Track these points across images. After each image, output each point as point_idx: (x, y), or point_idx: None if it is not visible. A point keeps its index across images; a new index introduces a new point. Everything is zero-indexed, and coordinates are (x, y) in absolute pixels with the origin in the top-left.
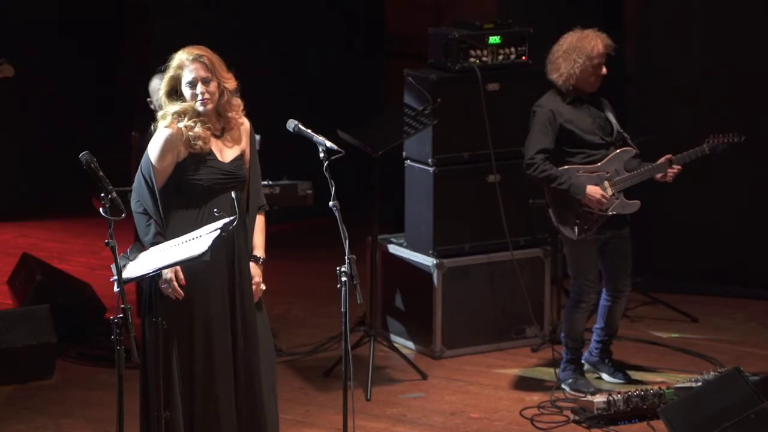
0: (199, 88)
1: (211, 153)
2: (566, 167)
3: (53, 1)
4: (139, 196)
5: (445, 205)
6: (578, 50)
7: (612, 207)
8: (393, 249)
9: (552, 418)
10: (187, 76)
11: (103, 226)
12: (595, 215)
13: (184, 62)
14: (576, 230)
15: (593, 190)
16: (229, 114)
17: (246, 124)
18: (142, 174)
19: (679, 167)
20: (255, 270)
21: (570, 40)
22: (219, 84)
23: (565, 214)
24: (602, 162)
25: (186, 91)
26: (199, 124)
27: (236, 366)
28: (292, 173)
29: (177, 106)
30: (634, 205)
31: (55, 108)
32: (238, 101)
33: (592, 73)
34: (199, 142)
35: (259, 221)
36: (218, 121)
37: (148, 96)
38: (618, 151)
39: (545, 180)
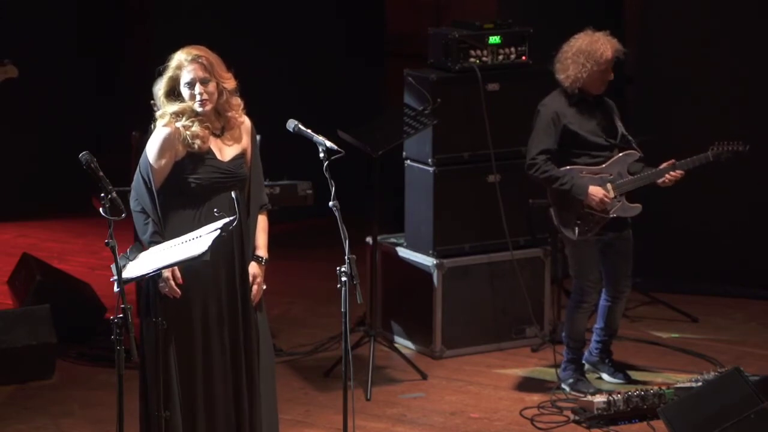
0: (198, 88)
1: (209, 152)
2: (569, 168)
3: (53, 1)
4: (137, 194)
5: (445, 205)
6: (587, 54)
7: (614, 209)
8: (393, 249)
9: (552, 418)
10: (185, 77)
11: (103, 226)
12: (597, 217)
13: (183, 63)
14: (576, 231)
15: (595, 191)
16: (229, 113)
17: (247, 122)
18: (141, 173)
19: (681, 172)
20: (257, 270)
21: (580, 43)
22: (218, 84)
23: (566, 214)
24: (606, 164)
25: (184, 92)
26: (197, 123)
27: (236, 366)
28: (292, 173)
29: (175, 106)
30: (636, 208)
31: (55, 108)
32: (237, 100)
33: (598, 77)
34: (197, 141)
35: (262, 221)
36: (218, 120)
37: (152, 98)
38: (622, 154)
39: (547, 180)
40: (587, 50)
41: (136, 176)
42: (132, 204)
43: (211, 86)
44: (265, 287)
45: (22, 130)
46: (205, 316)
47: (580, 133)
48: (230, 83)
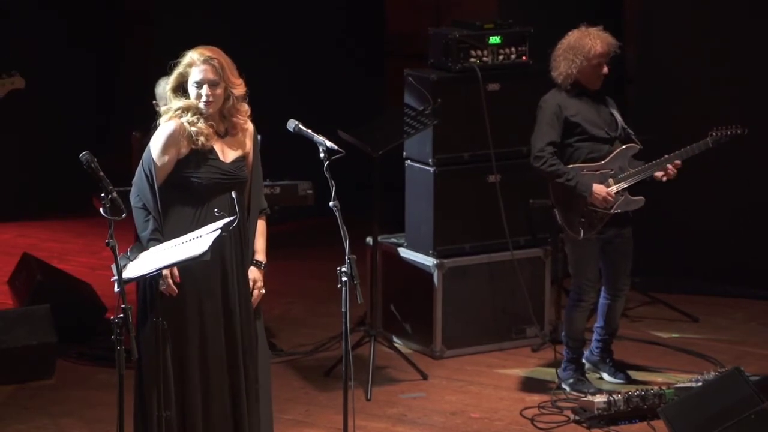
0: (205, 89)
1: (212, 151)
2: (571, 166)
3: (53, 1)
4: (139, 190)
5: (445, 205)
6: (576, 50)
7: (617, 204)
8: (393, 249)
9: (552, 418)
10: (195, 76)
11: (104, 226)
12: (600, 213)
13: (195, 61)
14: (582, 230)
15: (599, 189)
16: (234, 119)
17: (251, 128)
18: (143, 168)
19: (678, 162)
20: (257, 275)
21: (570, 39)
22: (226, 88)
23: (570, 214)
24: (606, 159)
25: (192, 90)
26: (201, 120)
27: (233, 368)
28: (293, 173)
29: (181, 103)
30: (639, 201)
31: (55, 108)
32: (245, 107)
33: (591, 73)
34: (201, 138)
35: (260, 225)
36: (222, 123)
37: (154, 98)
38: (622, 147)
39: (552, 174)
40: (576, 46)
41: (138, 171)
42: (133, 200)
43: (219, 90)
44: (263, 291)
45: (22, 131)
46: (201, 317)
47: (582, 124)
48: (239, 89)
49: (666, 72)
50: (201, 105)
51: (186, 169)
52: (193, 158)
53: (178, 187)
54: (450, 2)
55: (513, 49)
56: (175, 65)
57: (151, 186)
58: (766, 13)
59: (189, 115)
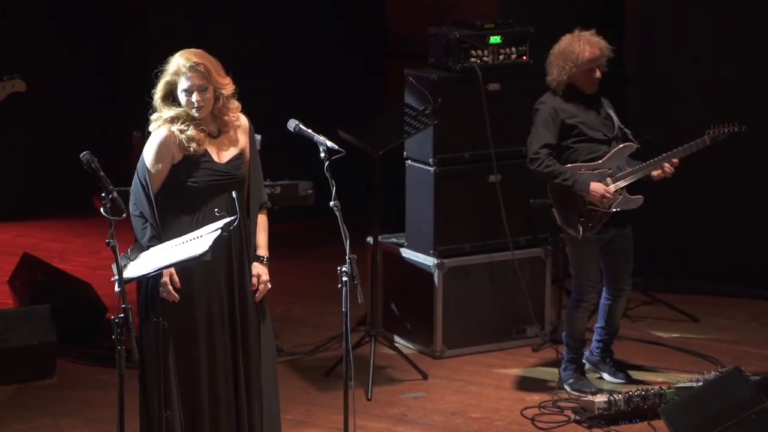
0: (195, 96)
1: (206, 154)
2: (568, 165)
3: (54, 1)
4: (135, 199)
5: (445, 205)
6: (566, 56)
7: (616, 203)
8: (394, 249)
9: (553, 418)
10: (183, 84)
11: (104, 225)
12: (599, 213)
13: (181, 69)
14: (581, 229)
15: (597, 187)
16: (226, 117)
17: (244, 122)
18: (138, 177)
19: (676, 161)
20: (261, 269)
21: (561, 44)
22: (215, 90)
23: (569, 213)
24: (603, 159)
25: (182, 98)
26: (192, 126)
27: (237, 365)
28: (293, 173)
29: (171, 112)
30: (638, 200)
31: (55, 108)
32: (235, 103)
33: (583, 78)
34: (193, 144)
35: (261, 220)
36: (214, 123)
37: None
38: (619, 147)
39: (549, 175)
40: (566, 51)
41: (134, 180)
42: (131, 208)
43: (208, 94)
44: (269, 286)
45: (22, 130)
46: (208, 317)
47: (579, 127)
48: (228, 89)
49: (666, 72)
50: (193, 111)
51: (181, 174)
52: (187, 163)
53: (175, 193)
54: (450, 2)
55: (513, 49)
56: (161, 73)
57: (147, 194)
58: (765, 14)
59: (179, 122)
